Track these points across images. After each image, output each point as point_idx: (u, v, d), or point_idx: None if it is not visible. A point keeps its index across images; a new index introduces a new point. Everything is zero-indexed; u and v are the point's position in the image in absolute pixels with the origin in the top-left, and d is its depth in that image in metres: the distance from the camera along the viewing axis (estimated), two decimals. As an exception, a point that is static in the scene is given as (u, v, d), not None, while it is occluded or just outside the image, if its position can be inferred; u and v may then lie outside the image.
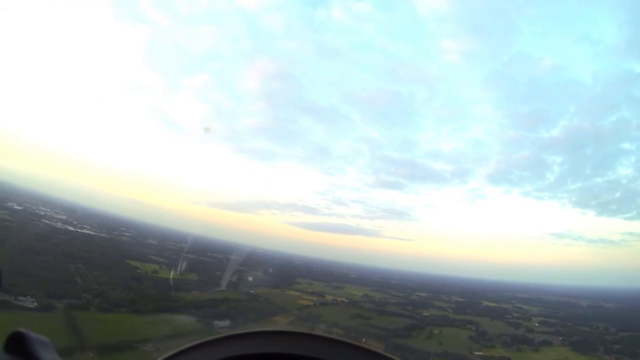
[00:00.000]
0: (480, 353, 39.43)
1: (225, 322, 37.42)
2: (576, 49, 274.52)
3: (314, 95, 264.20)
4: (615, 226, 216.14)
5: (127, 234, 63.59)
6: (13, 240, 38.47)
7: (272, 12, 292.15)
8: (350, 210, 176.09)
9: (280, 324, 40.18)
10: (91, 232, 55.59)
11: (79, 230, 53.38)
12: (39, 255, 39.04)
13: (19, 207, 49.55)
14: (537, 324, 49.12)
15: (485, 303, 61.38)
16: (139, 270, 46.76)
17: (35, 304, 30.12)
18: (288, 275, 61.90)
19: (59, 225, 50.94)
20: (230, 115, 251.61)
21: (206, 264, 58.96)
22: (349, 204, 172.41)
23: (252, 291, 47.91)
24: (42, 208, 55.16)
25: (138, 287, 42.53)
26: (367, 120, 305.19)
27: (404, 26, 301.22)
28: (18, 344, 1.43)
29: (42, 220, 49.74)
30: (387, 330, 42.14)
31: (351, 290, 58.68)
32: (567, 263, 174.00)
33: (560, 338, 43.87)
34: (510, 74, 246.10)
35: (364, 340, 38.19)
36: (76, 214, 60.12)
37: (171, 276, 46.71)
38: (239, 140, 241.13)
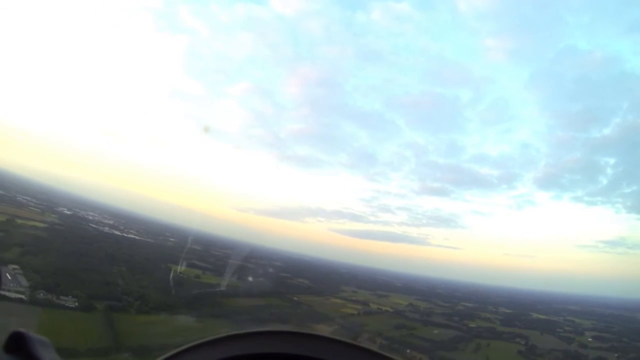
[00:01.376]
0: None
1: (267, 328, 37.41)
2: (628, 38, 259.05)
3: (357, 101, 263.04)
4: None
5: (172, 239, 64.52)
6: (60, 243, 39.34)
7: (311, 18, 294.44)
8: (396, 217, 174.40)
9: (323, 331, 39.08)
10: (137, 237, 56.77)
11: (125, 235, 54.57)
12: (84, 257, 39.56)
13: (68, 212, 51.32)
14: (590, 339, 45.88)
15: (534, 315, 58.45)
16: (181, 275, 46.41)
17: (76, 303, 30.33)
18: (333, 282, 61.64)
19: (106, 229, 52.33)
20: (273, 122, 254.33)
21: (250, 270, 59.05)
22: (395, 211, 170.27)
23: (295, 298, 47.57)
24: (91, 213, 56.89)
25: (180, 291, 42.13)
26: (412, 125, 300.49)
27: (445, 25, 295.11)
28: (18, 344, 1.43)
29: (90, 224, 51.18)
30: (432, 342, 40.49)
31: (396, 299, 57.65)
32: (621, 274, 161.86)
33: (617, 355, 40.26)
34: (557, 71, 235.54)
35: (407, 351, 36.52)
36: (123, 219, 61.58)
37: (216, 281, 46.56)
38: (284, 147, 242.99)
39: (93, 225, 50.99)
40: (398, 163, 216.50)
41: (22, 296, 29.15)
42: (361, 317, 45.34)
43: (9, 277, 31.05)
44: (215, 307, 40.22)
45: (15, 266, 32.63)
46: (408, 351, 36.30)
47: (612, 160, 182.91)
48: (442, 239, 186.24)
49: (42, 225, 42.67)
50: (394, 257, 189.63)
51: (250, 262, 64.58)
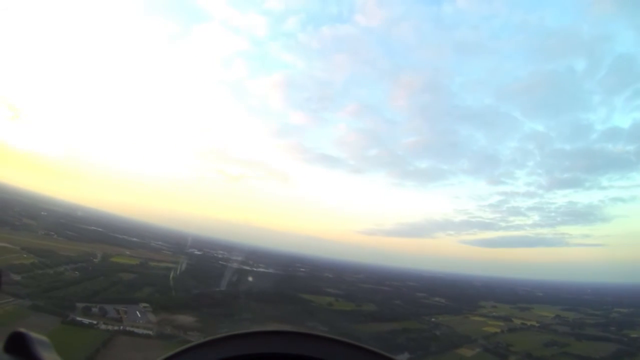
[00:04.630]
0: None
1: (404, 356, 34.44)
2: None
3: (466, 100, 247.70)
4: None
5: (303, 270, 64.84)
6: (189, 280, 40.38)
7: (399, 23, 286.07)
8: (527, 219, 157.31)
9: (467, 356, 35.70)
10: (267, 270, 57.55)
11: (254, 269, 55.24)
12: (210, 294, 39.91)
13: (199, 252, 53.72)
14: None
15: None
16: (312, 304, 45.78)
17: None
18: (470, 298, 58.28)
19: (235, 265, 53.45)
20: (388, 139, 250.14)
21: (384, 293, 56.75)
22: (526, 213, 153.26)
23: (433, 319, 44.75)
24: (220, 251, 59.18)
25: (310, 320, 40.75)
26: (529, 113, 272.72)
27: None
28: (18, 344, 1.43)
29: (219, 262, 52.78)
30: (590, 360, 35.08)
31: (540, 311, 51.79)
32: None
33: None
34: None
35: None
36: (252, 255, 63.28)
37: (349, 307, 44.57)
38: (403, 164, 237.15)
39: (222, 263, 52.70)
40: (521, 159, 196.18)
41: (150, 332, 29.57)
42: (505, 336, 40.97)
43: (139, 314, 32.06)
44: (348, 334, 37.87)
45: (146, 304, 33.62)
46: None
47: None
48: (582, 236, 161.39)
49: (173, 266, 44.53)
50: (530, 263, 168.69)
51: (383, 284, 62.34)
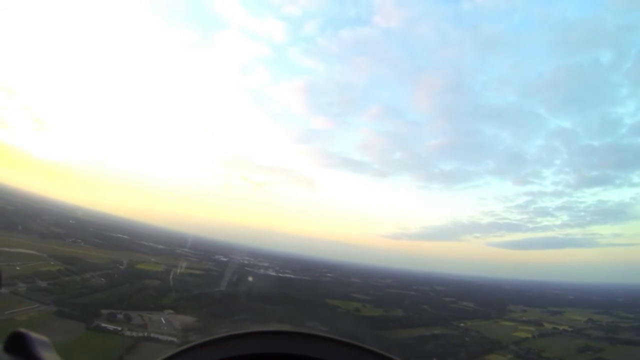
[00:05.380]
0: None
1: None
2: None
3: (490, 99, 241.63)
4: None
5: (330, 275, 64.20)
6: (214, 287, 40.15)
7: (418, 23, 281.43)
8: (555, 220, 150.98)
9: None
10: (293, 276, 57.53)
11: (281, 275, 55.08)
12: (235, 299, 39.62)
13: (224, 259, 53.58)
14: None
15: None
16: (339, 309, 45.06)
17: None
18: (499, 302, 56.44)
19: (261, 271, 53.54)
20: (411, 142, 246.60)
21: (412, 298, 55.63)
22: (554, 213, 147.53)
23: (462, 324, 43.95)
24: (247, 258, 59.00)
25: (337, 326, 40.17)
26: (554, 109, 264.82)
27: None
28: (18, 343, 1.44)
29: (245, 268, 52.79)
30: (628, 366, 33.96)
31: (572, 315, 50.04)
32: None
33: None
34: None
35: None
36: (278, 261, 63.08)
37: (377, 313, 43.77)
38: (428, 166, 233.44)
39: (248, 269, 52.58)
40: (548, 157, 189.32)
41: (174, 339, 29.19)
42: (537, 341, 39.53)
43: (164, 321, 31.81)
44: (376, 341, 37.21)
45: (171, 311, 33.42)
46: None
47: None
48: (612, 236, 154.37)
49: (198, 272, 44.46)
50: (559, 265, 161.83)
51: (411, 289, 61.11)
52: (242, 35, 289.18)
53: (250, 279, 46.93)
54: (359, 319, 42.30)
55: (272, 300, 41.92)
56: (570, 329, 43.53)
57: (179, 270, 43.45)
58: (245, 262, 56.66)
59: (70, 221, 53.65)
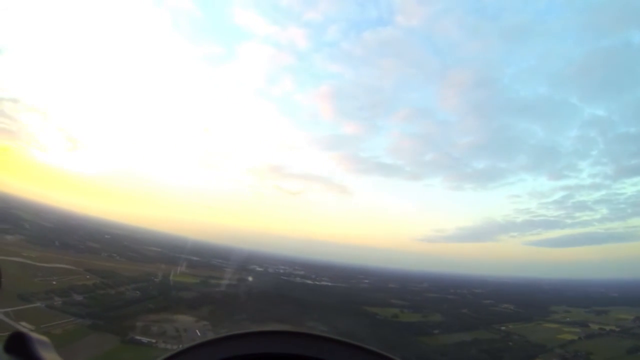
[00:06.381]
0: None
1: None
2: None
3: (519, 92, 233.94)
4: None
5: (367, 281, 63.18)
6: (249, 296, 39.64)
7: (440, 19, 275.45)
8: (595, 214, 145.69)
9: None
10: (329, 284, 57.01)
11: (317, 283, 54.54)
12: (275, 307, 38.96)
13: (260, 269, 53.38)
14: None
15: None
16: (378, 316, 44.38)
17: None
18: (540, 303, 54.59)
19: (297, 280, 53.10)
20: (443, 142, 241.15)
21: (450, 301, 53.94)
22: (592, 207, 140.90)
23: (503, 327, 42.62)
24: (282, 267, 58.64)
25: (376, 334, 38.91)
26: (587, 97, 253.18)
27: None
28: (18, 344, 1.45)
29: (281, 277, 52.19)
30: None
31: (618, 313, 47.45)
32: None
33: None
34: None
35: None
36: (314, 269, 62.55)
37: (416, 319, 42.33)
38: (461, 166, 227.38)
39: (284, 278, 52.14)
40: (584, 148, 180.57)
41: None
42: (584, 343, 37.72)
43: (199, 333, 31.32)
44: (417, 347, 35.79)
45: (206, 322, 32.94)
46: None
47: None
48: None
49: (234, 283, 44.12)
50: (601, 261, 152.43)
51: (449, 292, 59.13)
52: (266, 45, 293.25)
53: (285, 288, 46.41)
54: (398, 326, 41.46)
55: (311, 309, 41.16)
56: (617, 329, 41.60)
57: (213, 282, 43.20)
58: (281, 271, 56.36)
59: (106, 236, 54.76)
